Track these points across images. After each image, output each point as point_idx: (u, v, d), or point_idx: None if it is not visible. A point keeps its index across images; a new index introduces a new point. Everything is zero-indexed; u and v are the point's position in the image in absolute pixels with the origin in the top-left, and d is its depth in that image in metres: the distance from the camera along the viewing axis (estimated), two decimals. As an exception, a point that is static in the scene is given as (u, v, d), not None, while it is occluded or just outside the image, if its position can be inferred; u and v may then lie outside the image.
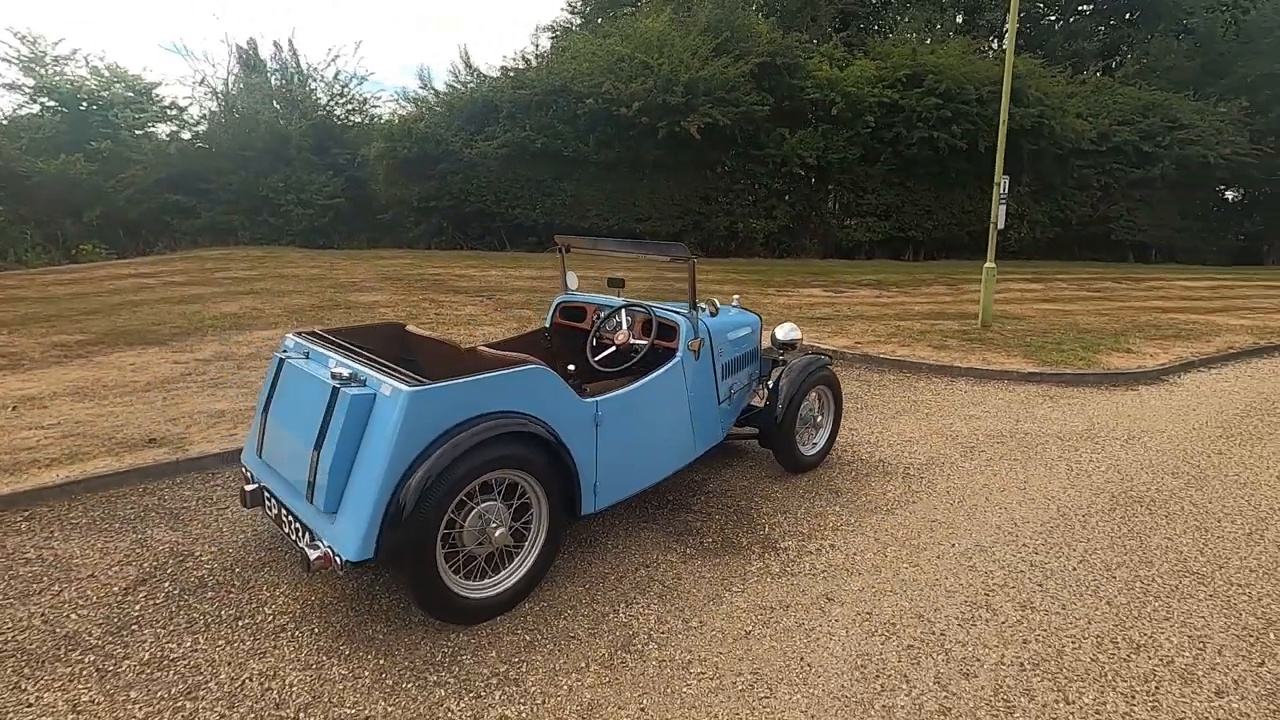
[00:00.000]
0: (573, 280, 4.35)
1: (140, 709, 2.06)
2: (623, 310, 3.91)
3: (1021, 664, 2.46)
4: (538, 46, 24.40)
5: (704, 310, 3.80)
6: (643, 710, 2.14)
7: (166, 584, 2.65)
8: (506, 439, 2.45)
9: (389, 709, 2.09)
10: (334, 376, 2.44)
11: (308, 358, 2.74)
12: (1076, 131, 19.62)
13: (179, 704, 2.09)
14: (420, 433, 2.25)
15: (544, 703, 2.16)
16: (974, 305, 11.18)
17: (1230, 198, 24.34)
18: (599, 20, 23.74)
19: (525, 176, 17.78)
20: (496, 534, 2.48)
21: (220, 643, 2.35)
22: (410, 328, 3.25)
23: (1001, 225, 8.68)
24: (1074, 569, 3.12)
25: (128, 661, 2.24)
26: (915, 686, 2.32)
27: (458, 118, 17.75)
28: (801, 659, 2.43)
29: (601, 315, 4.08)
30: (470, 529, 2.45)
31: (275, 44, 26.90)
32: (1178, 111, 20.95)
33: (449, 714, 2.10)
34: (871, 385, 6.39)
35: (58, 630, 2.40)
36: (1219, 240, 23.94)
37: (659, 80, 16.55)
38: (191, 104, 24.03)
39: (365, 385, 2.38)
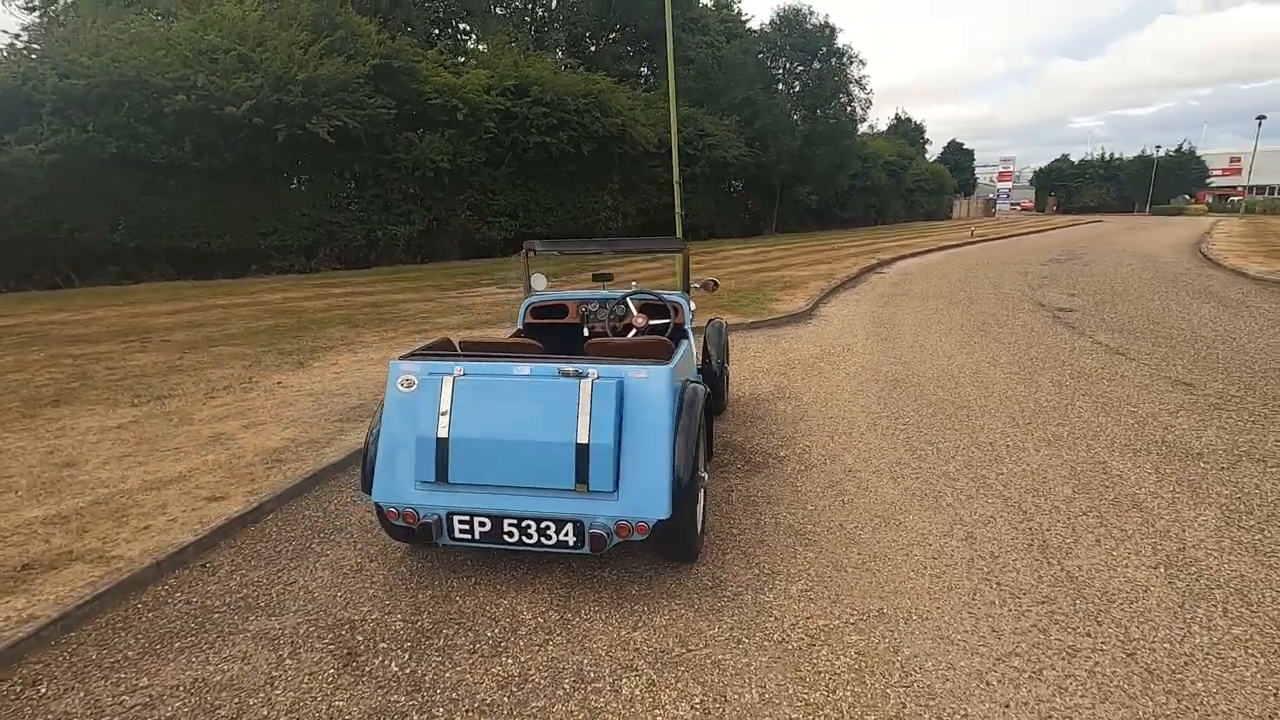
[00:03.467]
0: (539, 282, 4.75)
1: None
2: (628, 298, 4.60)
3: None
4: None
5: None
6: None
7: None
8: (705, 397, 3.14)
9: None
10: (562, 373, 2.76)
11: (464, 374, 2.82)
12: (646, 139, 24.55)
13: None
14: (673, 402, 2.81)
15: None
16: (661, 281, 13.85)
17: (740, 187, 33.30)
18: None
19: (96, 189, 14.26)
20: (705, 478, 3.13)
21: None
22: (462, 339, 3.56)
23: (681, 212, 11.11)
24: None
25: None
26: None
27: (-39, 113, 13.23)
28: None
29: (590, 307, 4.70)
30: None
31: None
32: (704, 124, 27.92)
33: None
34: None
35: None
36: (736, 219, 32.69)
37: (269, 78, 15.17)
38: None
39: (587, 375, 2.75)
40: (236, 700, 2.27)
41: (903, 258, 19.21)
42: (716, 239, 29.46)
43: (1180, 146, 65.30)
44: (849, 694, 2.25)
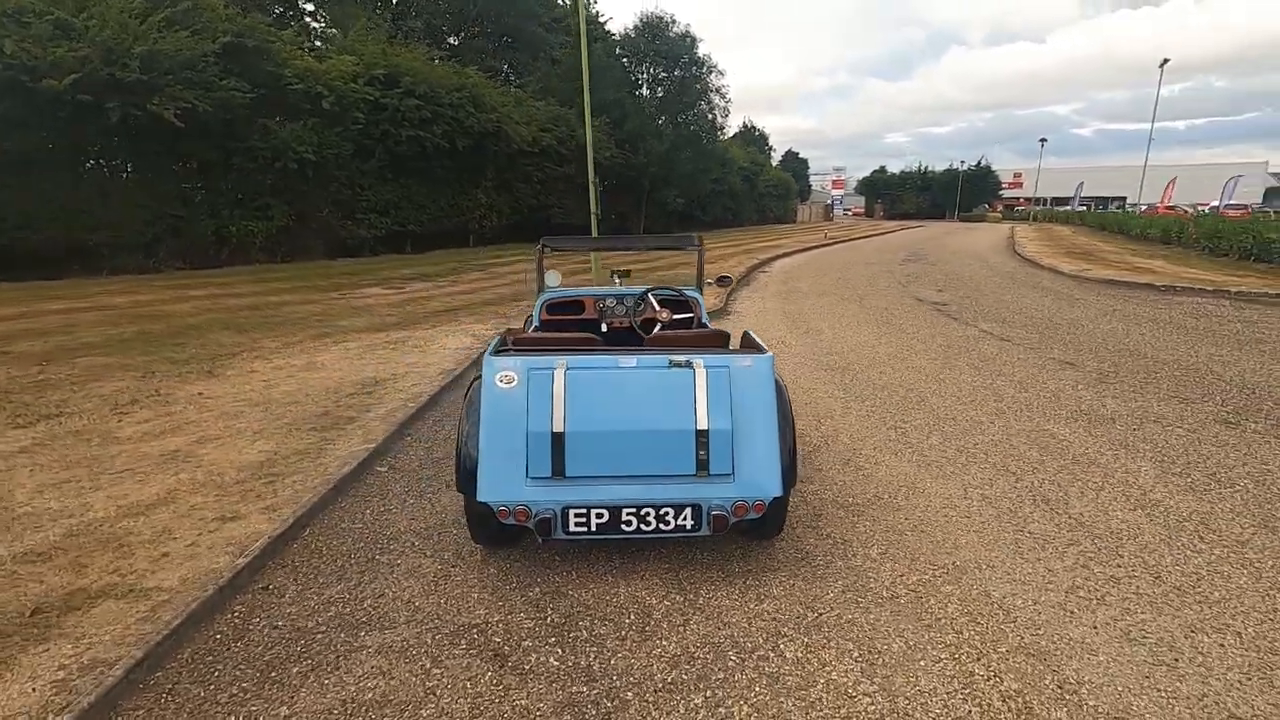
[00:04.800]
0: (554, 278, 4.66)
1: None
2: (649, 293, 4.64)
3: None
4: None
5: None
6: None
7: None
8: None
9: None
10: (673, 364, 2.82)
11: (569, 368, 2.81)
12: (521, 136, 24.27)
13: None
14: (776, 387, 2.95)
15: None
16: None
17: (612, 185, 33.76)
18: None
19: None
20: None
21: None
22: (513, 335, 3.48)
23: (600, 215, 11.17)
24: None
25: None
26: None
27: None
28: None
29: (608, 303, 4.73)
30: None
31: None
32: (576, 124, 28.03)
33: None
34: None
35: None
36: (606, 220, 33.17)
37: (98, 49, 13.30)
38: None
39: (697, 365, 2.83)
40: (410, 713, 2.16)
41: (777, 258, 20.60)
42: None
43: (979, 162, 75.27)
44: (974, 633, 2.57)
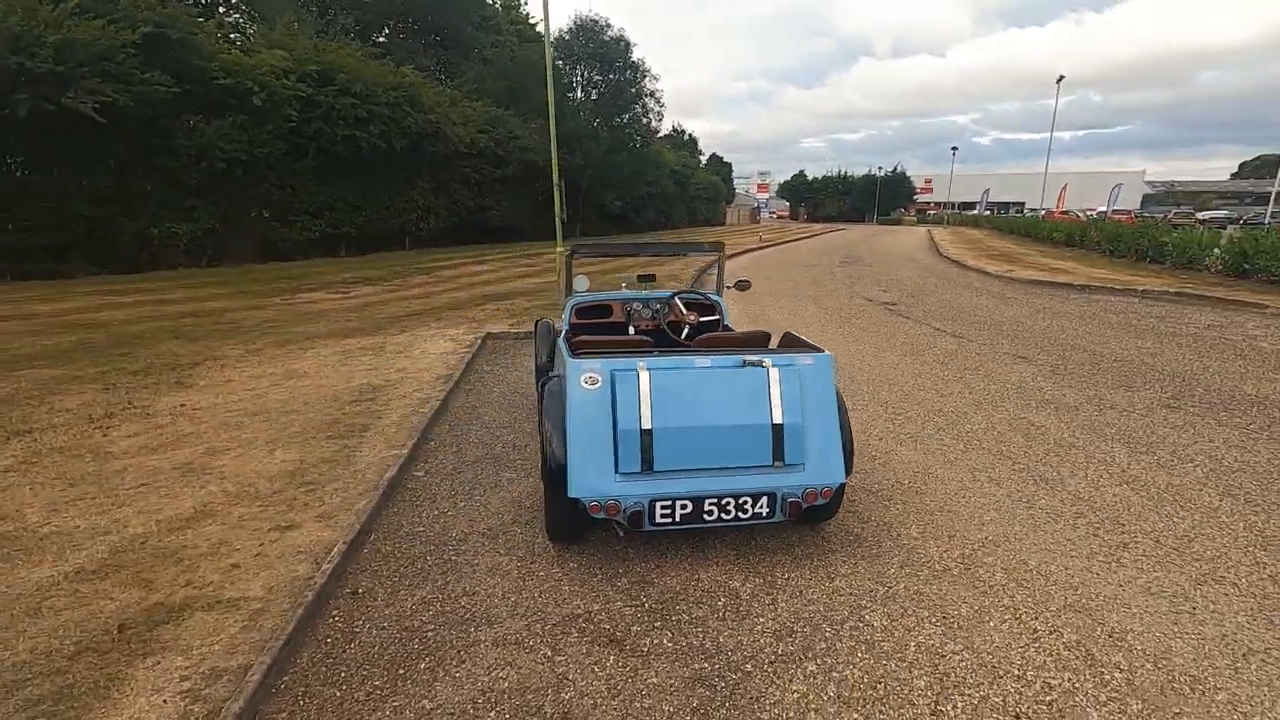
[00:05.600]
0: (582, 283, 4.77)
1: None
2: (676, 297, 4.85)
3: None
4: None
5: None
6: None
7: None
8: None
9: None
10: (746, 363, 3.05)
11: (646, 369, 2.97)
12: (459, 137, 23.93)
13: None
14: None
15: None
16: (505, 284, 13.76)
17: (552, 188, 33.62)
18: None
19: None
20: None
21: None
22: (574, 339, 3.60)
23: (565, 218, 11.15)
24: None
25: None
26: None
27: None
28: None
29: (635, 306, 4.90)
30: None
31: None
32: (513, 126, 27.86)
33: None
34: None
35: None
36: (548, 222, 33.09)
37: (4, 35, 12.35)
38: None
39: (765, 364, 3.07)
40: (551, 696, 2.28)
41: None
42: (529, 241, 29.57)
43: (895, 168, 79.32)
44: (1025, 596, 2.91)
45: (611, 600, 2.86)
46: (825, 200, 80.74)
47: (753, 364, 3.10)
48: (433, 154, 22.90)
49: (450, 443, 4.80)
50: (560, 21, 35.36)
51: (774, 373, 3.07)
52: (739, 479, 3.01)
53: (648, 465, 2.93)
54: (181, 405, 5.60)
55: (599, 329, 4.93)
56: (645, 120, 34.94)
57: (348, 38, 26.00)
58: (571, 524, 3.16)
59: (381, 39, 32.10)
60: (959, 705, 2.27)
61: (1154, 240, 17.69)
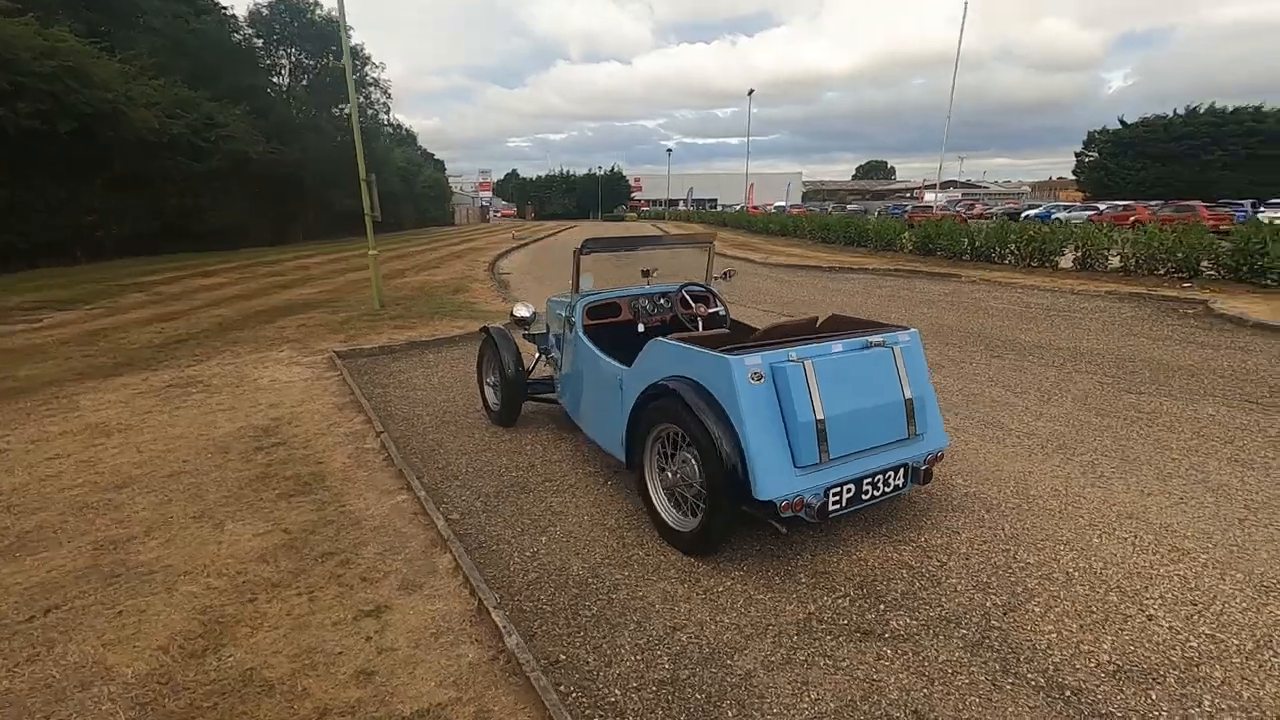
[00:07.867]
0: (588, 282, 4.55)
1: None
2: (684, 290, 4.79)
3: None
4: None
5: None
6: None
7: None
8: None
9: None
10: (871, 344, 3.15)
11: (795, 359, 2.95)
12: (144, 122, 19.52)
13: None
14: None
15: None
16: (271, 298, 11.75)
17: (261, 186, 29.27)
18: None
19: None
20: None
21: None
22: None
23: (379, 217, 9.72)
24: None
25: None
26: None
27: None
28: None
29: (641, 302, 4.68)
30: None
31: None
32: (211, 111, 23.60)
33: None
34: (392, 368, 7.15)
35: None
36: (267, 222, 28.72)
37: None
38: None
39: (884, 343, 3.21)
40: (876, 699, 2.16)
41: (498, 258, 20.59)
42: (251, 246, 25.58)
43: (613, 169, 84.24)
44: (1173, 544, 3.49)
45: (820, 598, 2.79)
46: (551, 199, 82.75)
47: (876, 345, 3.23)
48: (114, 141, 18.48)
49: (453, 476, 4.09)
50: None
51: (897, 350, 3.24)
52: (884, 455, 3.13)
53: (825, 455, 2.90)
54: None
55: (611, 327, 4.62)
56: (371, 111, 32.24)
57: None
58: (728, 529, 3.01)
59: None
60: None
61: (859, 228, 21.59)
